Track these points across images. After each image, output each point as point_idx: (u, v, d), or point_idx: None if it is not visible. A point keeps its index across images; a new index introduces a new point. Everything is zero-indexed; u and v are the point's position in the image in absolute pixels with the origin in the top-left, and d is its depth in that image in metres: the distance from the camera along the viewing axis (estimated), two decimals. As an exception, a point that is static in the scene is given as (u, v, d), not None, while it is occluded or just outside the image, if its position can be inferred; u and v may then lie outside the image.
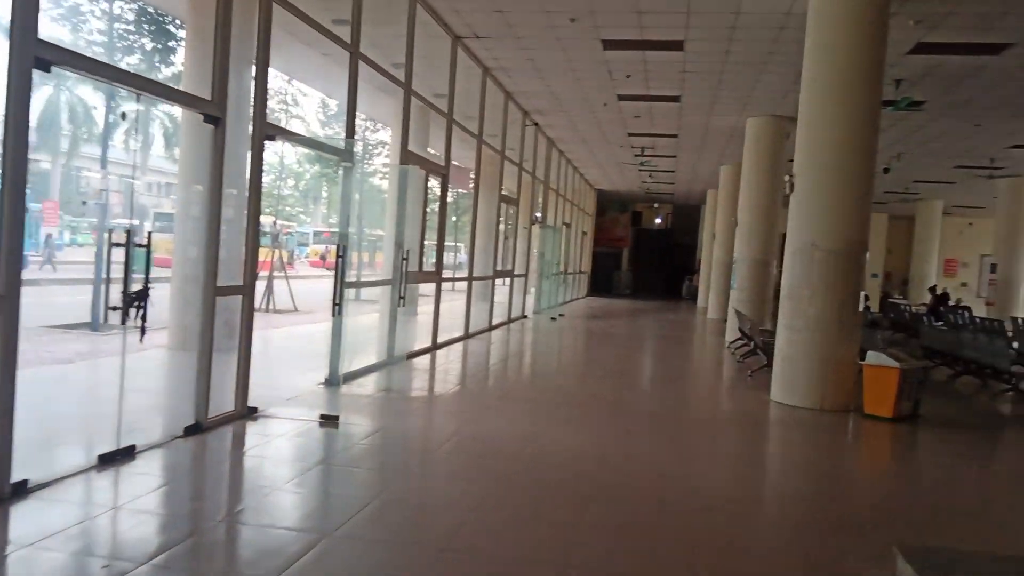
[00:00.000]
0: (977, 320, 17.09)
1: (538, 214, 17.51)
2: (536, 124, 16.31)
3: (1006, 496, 5.60)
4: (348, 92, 7.60)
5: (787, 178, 8.44)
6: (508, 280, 15.60)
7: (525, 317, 17.02)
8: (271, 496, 4.34)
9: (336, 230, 7.83)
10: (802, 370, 8.01)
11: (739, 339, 12.71)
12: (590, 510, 4.41)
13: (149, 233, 4.94)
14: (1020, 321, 16.73)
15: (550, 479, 4.98)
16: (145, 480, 4.42)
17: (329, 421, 5.94)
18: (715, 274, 20.65)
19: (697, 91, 12.78)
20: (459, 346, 11.40)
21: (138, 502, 4.05)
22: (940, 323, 17.67)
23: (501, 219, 14.64)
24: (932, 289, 22.88)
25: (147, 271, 4.84)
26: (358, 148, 8.64)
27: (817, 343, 7.92)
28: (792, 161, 14.75)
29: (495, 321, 14.24)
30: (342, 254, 7.07)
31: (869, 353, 7.66)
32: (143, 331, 4.85)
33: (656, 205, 31.85)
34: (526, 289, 17.46)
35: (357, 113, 7.87)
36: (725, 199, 20.20)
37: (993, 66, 10.25)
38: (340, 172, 7.66)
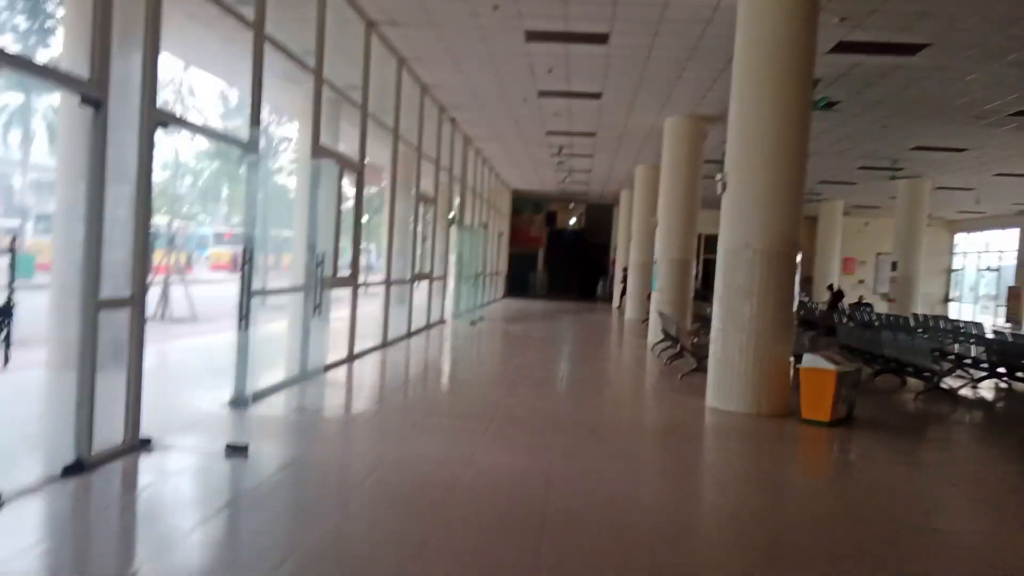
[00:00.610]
0: (883, 317, 17.70)
1: (453, 213, 16.94)
2: (453, 120, 15.75)
3: (967, 508, 5.47)
4: (252, 75, 6.82)
5: (718, 177, 8.21)
6: (427, 283, 14.96)
7: (444, 322, 16.43)
8: (171, 552, 3.64)
9: (239, 231, 7.03)
10: (739, 374, 7.79)
11: (663, 340, 12.55)
12: (545, 546, 3.92)
13: (13, 237, 4.13)
14: (921, 317, 17.44)
15: (495, 510, 4.46)
16: (13, 538, 3.63)
17: (236, 451, 5.21)
18: (633, 275, 20.64)
19: (618, 88, 12.54)
20: (377, 355, 10.72)
21: (3, 568, 3.28)
22: (847, 320, 18.25)
23: (418, 219, 13.99)
24: (830, 287, 23.64)
25: (11, 281, 4.03)
26: (263, 141, 7.87)
27: (753, 346, 7.72)
28: (710, 162, 14.79)
29: (414, 327, 13.59)
30: (249, 259, 6.32)
31: (805, 356, 7.51)
32: (6, 357, 4.03)
33: (572, 205, 31.82)
34: (445, 292, 16.87)
35: (262, 104, 7.10)
36: (641, 199, 20.20)
37: (908, 67, 10.40)
38: (244, 167, 6.88)
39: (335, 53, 9.00)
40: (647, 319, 16.46)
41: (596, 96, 13.13)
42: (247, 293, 6.21)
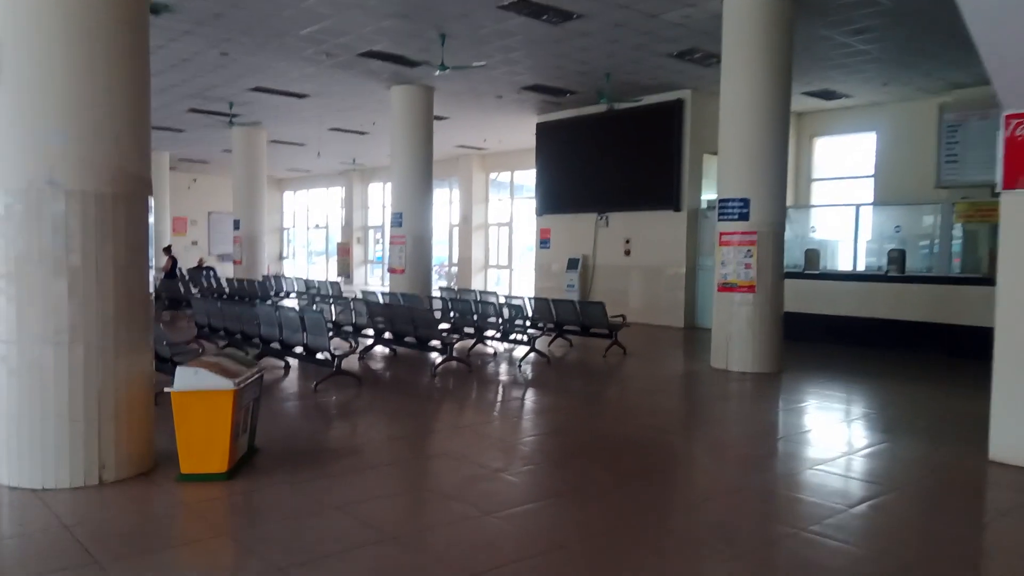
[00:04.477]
0: (240, 283, 15.51)
1: None
2: None
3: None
4: None
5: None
6: None
7: None
8: None
9: None
10: (51, 419, 4.23)
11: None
12: None
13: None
14: (272, 281, 15.90)
15: None
16: None
17: None
18: None
19: None
20: None
21: None
22: (196, 290, 15.54)
23: None
24: (167, 249, 20.45)
25: None
26: None
27: (78, 365, 4.26)
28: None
29: None
30: None
31: (180, 370, 4.41)
32: None
33: None
34: None
35: None
36: None
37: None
38: None
39: None
40: None
41: None
42: None
